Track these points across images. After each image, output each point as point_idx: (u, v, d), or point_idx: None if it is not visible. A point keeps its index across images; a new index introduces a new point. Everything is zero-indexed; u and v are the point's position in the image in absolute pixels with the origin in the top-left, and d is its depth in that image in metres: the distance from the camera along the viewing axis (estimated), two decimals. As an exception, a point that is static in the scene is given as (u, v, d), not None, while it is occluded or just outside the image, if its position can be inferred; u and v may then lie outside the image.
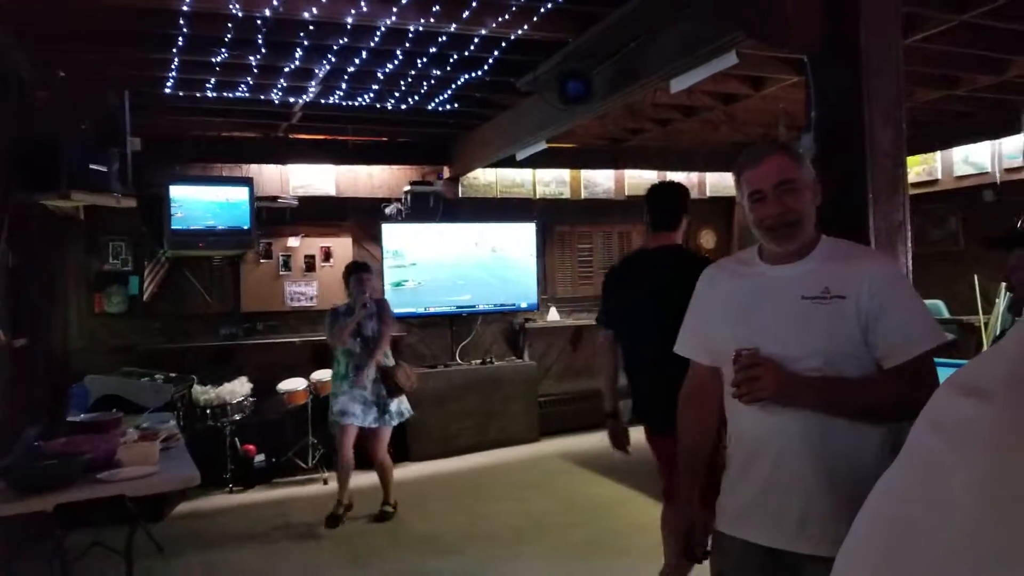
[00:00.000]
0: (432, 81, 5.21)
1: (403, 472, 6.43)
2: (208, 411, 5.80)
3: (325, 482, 5.96)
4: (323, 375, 6.27)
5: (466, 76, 5.08)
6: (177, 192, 6.15)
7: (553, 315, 7.80)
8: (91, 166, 4.65)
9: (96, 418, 3.91)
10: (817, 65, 2.91)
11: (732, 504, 1.89)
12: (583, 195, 7.83)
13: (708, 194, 8.22)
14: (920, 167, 7.09)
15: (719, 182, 8.20)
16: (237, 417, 5.93)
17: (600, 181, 7.88)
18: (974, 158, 6.87)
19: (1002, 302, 5.18)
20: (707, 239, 8.54)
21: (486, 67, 4.90)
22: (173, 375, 5.47)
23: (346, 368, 4.99)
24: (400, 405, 5.10)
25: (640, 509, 5.17)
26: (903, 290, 1.80)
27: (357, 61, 4.72)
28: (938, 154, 7.12)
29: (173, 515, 5.37)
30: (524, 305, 7.53)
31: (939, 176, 7.16)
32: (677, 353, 2.08)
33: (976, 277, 5.74)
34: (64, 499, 2.90)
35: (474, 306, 7.33)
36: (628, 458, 3.46)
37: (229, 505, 5.67)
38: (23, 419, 4.45)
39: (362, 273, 5.04)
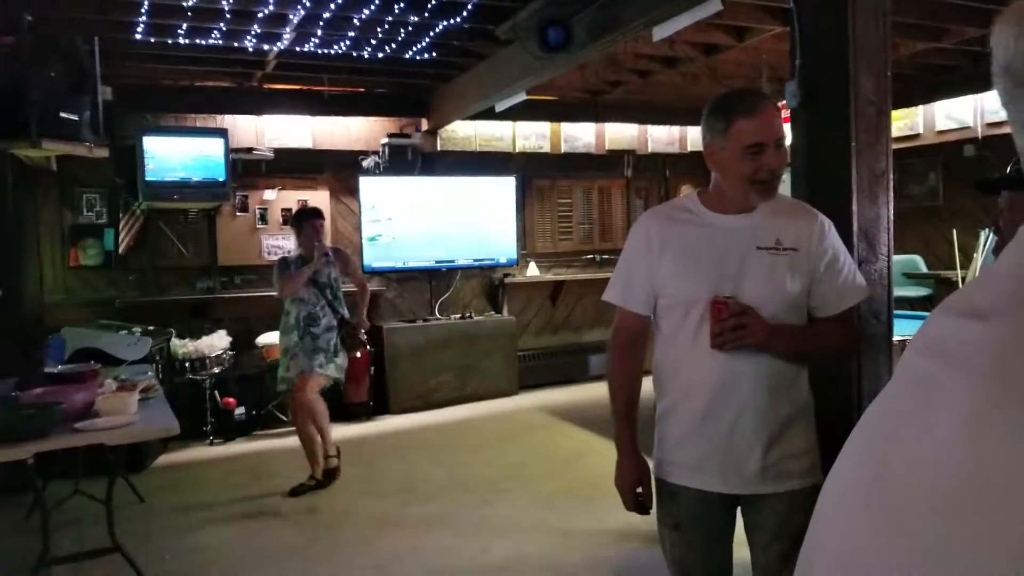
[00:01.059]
0: (410, 28, 5.10)
1: (382, 424, 6.48)
2: (187, 364, 5.77)
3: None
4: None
5: (444, 23, 4.98)
6: (150, 143, 6.02)
7: (532, 270, 7.80)
8: (62, 114, 4.53)
9: (74, 369, 3.87)
10: (802, 10, 2.88)
11: (687, 456, 1.88)
12: (563, 149, 7.76)
13: (689, 148, 8.19)
14: (901, 121, 7.09)
15: (700, 136, 8.14)
16: (216, 370, 5.91)
17: (580, 135, 7.81)
18: (956, 113, 6.87)
19: (981, 255, 5.24)
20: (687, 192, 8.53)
21: (465, 13, 4.80)
22: (151, 328, 5.42)
23: (296, 318, 4.62)
24: (344, 361, 4.76)
25: (613, 459, 5.25)
26: (841, 248, 1.93)
27: (332, 6, 4.61)
28: (920, 108, 7.12)
29: (154, 466, 5.38)
30: (503, 260, 7.51)
31: (920, 131, 7.16)
32: (607, 302, 2.03)
33: (955, 232, 5.80)
34: (42, 448, 2.89)
35: (452, 261, 7.30)
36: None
37: (209, 457, 5.68)
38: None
39: (316, 220, 4.70)
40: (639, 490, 1.99)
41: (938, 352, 0.53)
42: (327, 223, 5.37)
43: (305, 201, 6.90)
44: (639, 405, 2.03)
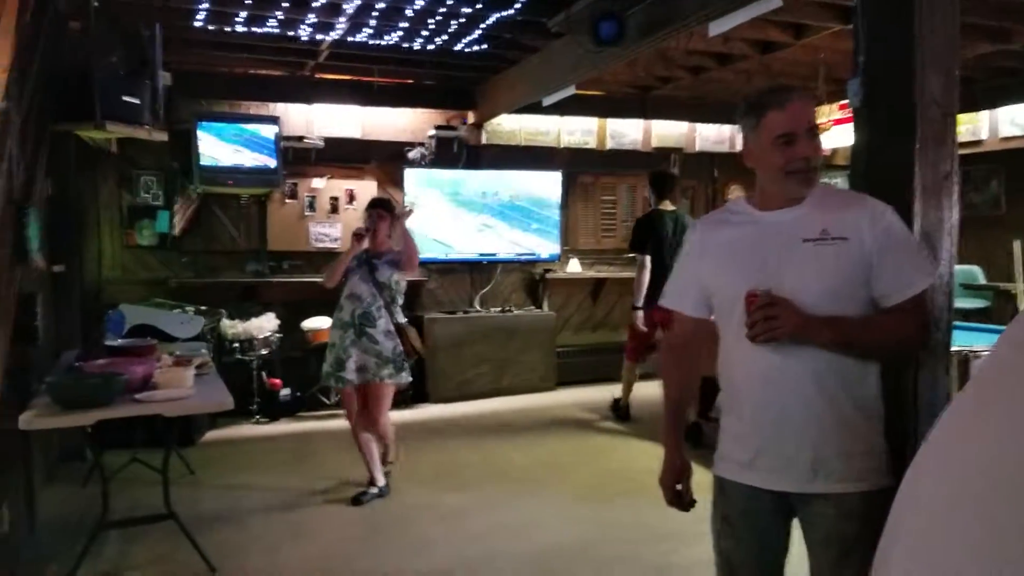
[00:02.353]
0: (462, 19, 5.15)
1: (421, 413, 6.54)
2: (236, 345, 5.91)
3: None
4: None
5: (497, 15, 5.01)
6: (205, 129, 6.16)
7: (574, 266, 7.80)
8: (124, 98, 4.66)
9: (133, 343, 4.00)
10: (868, 5, 2.85)
11: (739, 452, 1.88)
12: (609, 145, 7.74)
13: (739, 148, 8.08)
14: (964, 127, 6.92)
15: (749, 137, 8.07)
16: (264, 352, 6.04)
17: (627, 131, 7.79)
18: (1021, 119, 6.69)
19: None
20: (735, 194, 8.43)
21: (517, 5, 4.83)
22: (203, 308, 5.56)
23: (351, 315, 4.28)
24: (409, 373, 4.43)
25: (652, 456, 5.22)
26: (900, 232, 1.83)
27: (387, -4, 4.67)
28: (984, 114, 6.92)
29: (202, 442, 5.52)
30: (545, 255, 7.53)
31: (984, 136, 6.96)
32: (663, 306, 2.09)
33: (1016, 243, 5.61)
34: (105, 416, 2.99)
35: (494, 254, 7.34)
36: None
37: (255, 435, 5.82)
38: (60, 342, 4.57)
39: (371, 210, 4.41)
40: (679, 487, 2.02)
41: (1015, 343, 0.54)
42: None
43: (352, 190, 7.01)
44: (688, 406, 2.08)
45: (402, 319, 4.41)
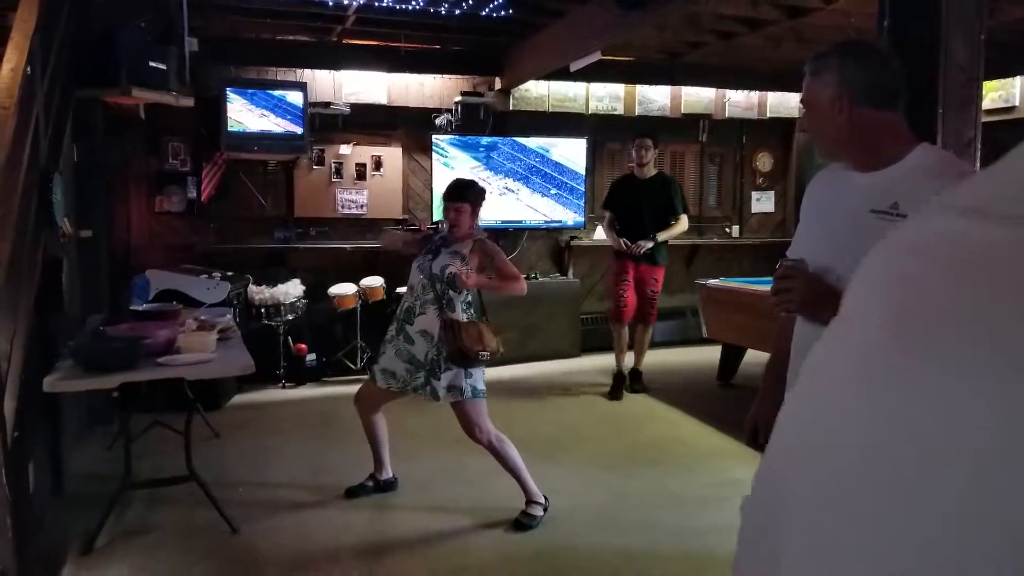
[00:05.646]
0: (488, -16, 5.09)
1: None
2: (263, 310, 5.99)
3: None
4: (372, 281, 6.42)
5: (523, -20, 4.95)
6: (233, 95, 6.20)
7: (599, 234, 7.73)
8: (150, 63, 4.69)
9: (158, 308, 4.08)
10: (894, -31, 2.76)
11: None
12: (637, 112, 7.64)
13: (768, 115, 7.96)
14: (996, 93, 6.72)
15: (780, 102, 7.92)
16: (290, 317, 6.11)
17: (656, 98, 7.68)
18: (1056, 85, 6.47)
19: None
20: (763, 162, 8.31)
21: (544, -30, 4.76)
22: (230, 274, 5.64)
23: (400, 309, 3.78)
24: (462, 379, 3.60)
25: (674, 424, 5.28)
26: None
27: (413, -39, 4.63)
28: (1017, 79, 6.72)
29: (228, 406, 5.62)
30: (571, 222, 7.49)
31: (1017, 103, 6.78)
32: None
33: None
34: (128, 379, 3.07)
35: (521, 221, 7.32)
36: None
37: (282, 400, 5.92)
38: (87, 307, 4.68)
39: (448, 203, 3.71)
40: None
41: (923, 252, 0.41)
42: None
43: (379, 157, 7.02)
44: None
45: (461, 316, 3.64)
